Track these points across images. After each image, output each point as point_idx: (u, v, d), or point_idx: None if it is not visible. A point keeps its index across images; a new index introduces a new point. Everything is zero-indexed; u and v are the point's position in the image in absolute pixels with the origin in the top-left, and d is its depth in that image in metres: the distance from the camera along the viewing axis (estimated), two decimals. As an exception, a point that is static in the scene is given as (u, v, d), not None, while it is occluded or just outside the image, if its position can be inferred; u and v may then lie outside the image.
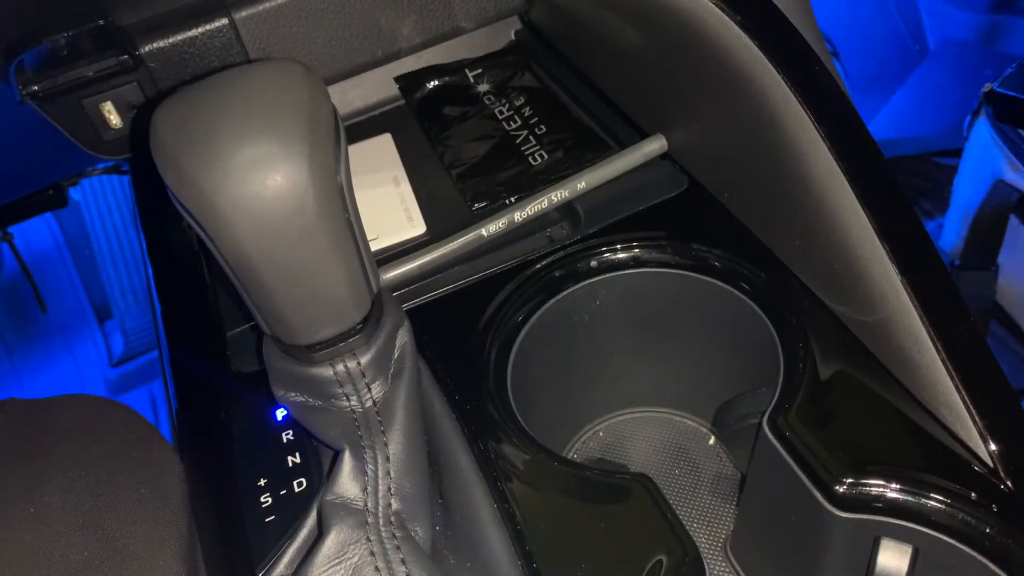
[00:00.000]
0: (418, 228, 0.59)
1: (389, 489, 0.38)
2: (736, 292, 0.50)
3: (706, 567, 0.38)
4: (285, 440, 0.44)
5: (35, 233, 1.55)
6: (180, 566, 0.42)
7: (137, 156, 0.67)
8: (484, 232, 0.55)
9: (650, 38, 0.55)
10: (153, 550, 0.42)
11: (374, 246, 0.57)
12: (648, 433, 0.59)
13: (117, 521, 0.43)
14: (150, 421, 0.50)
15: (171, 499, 0.45)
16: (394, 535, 0.37)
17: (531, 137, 0.64)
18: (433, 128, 0.67)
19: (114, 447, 0.46)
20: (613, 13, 0.58)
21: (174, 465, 0.46)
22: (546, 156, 0.61)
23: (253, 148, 0.32)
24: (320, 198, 0.33)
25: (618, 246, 0.52)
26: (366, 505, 0.38)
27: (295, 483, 0.42)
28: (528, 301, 0.51)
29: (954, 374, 0.39)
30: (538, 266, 0.52)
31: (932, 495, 0.37)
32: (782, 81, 0.43)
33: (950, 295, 0.40)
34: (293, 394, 0.41)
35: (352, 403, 0.40)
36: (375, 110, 0.72)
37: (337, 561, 0.36)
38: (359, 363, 0.40)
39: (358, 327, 0.39)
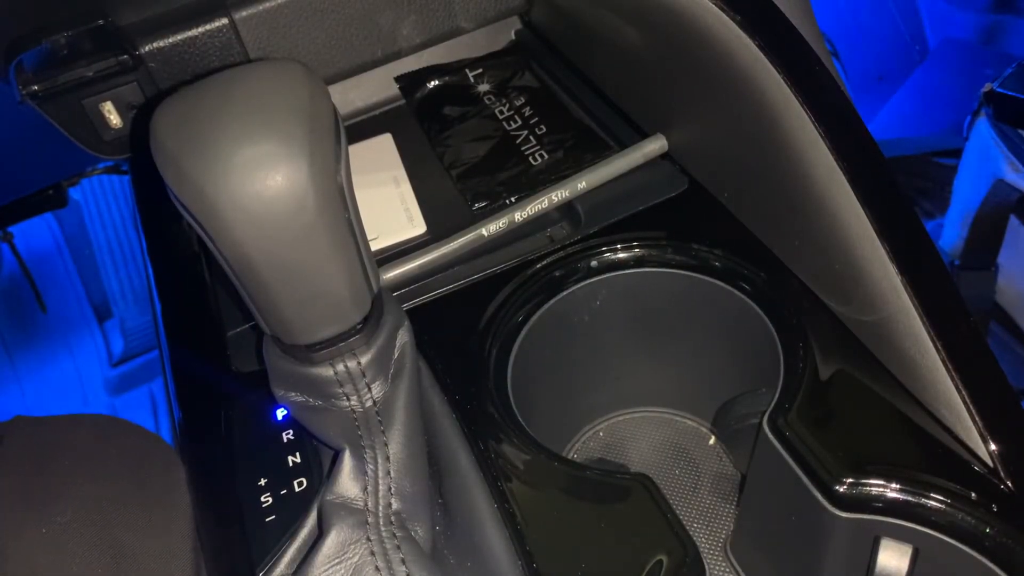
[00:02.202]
0: (418, 228, 0.59)
1: (389, 489, 0.38)
2: (736, 292, 0.50)
3: (706, 567, 0.38)
4: (285, 440, 0.44)
5: (35, 233, 1.55)
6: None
7: (137, 156, 0.67)
8: (484, 232, 0.55)
9: (650, 38, 0.55)
10: (164, 564, 0.42)
11: (374, 246, 0.57)
12: (648, 433, 0.59)
13: (129, 537, 0.43)
14: (151, 422, 0.50)
15: (180, 511, 0.45)
16: (394, 535, 0.37)
17: (531, 137, 0.64)
18: (433, 128, 0.67)
19: (123, 463, 0.46)
20: (613, 13, 0.58)
21: (182, 477, 0.47)
22: (546, 156, 0.61)
23: (253, 148, 0.32)
24: (320, 198, 0.33)
25: (618, 246, 0.52)
26: (366, 505, 0.38)
27: (295, 483, 0.42)
28: (528, 301, 0.51)
29: (954, 374, 0.39)
30: (538, 266, 0.52)
31: (932, 495, 0.37)
32: (782, 81, 0.43)
33: (950, 295, 0.40)
34: (293, 394, 0.41)
35: (352, 403, 0.40)
36: (375, 110, 0.72)
37: (337, 561, 0.36)
38: (359, 363, 0.40)
39: (358, 327, 0.39)
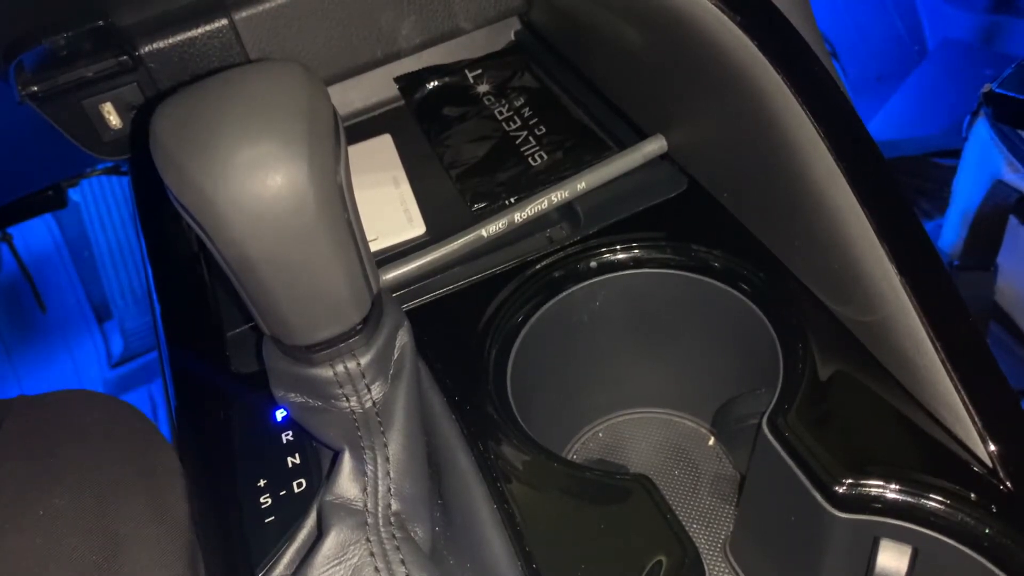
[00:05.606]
0: (418, 228, 0.59)
1: (389, 490, 0.38)
2: (736, 292, 0.50)
3: (706, 567, 0.38)
4: (285, 441, 0.44)
5: (35, 234, 1.55)
6: (184, 569, 0.43)
7: (137, 156, 0.67)
8: (484, 232, 0.55)
9: (650, 38, 0.55)
10: (159, 552, 0.42)
11: (374, 246, 0.57)
12: (648, 433, 0.59)
13: (124, 524, 0.43)
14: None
15: (176, 501, 0.45)
16: (394, 536, 0.37)
17: (531, 138, 0.64)
18: (433, 128, 0.67)
19: (122, 449, 0.46)
20: (613, 14, 0.58)
21: (177, 466, 0.47)
22: (546, 156, 0.61)
23: (253, 148, 0.32)
24: (320, 198, 0.33)
25: (618, 247, 0.52)
26: (366, 506, 0.38)
27: (295, 484, 0.42)
28: (528, 302, 0.51)
29: (954, 374, 0.39)
30: (538, 267, 0.52)
31: (931, 496, 0.37)
32: (782, 81, 0.44)
33: (950, 295, 0.40)
34: (293, 395, 0.41)
35: (352, 404, 0.40)
36: (375, 110, 0.72)
37: (337, 562, 0.36)
38: (359, 364, 0.40)
39: (358, 328, 0.39)
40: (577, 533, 0.39)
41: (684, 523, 0.39)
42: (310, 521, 0.39)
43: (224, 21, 0.63)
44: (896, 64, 1.83)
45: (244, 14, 0.64)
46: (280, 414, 0.45)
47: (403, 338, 0.42)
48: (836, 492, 0.38)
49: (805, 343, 0.44)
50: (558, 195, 0.56)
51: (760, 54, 0.44)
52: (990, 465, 0.37)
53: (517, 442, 0.43)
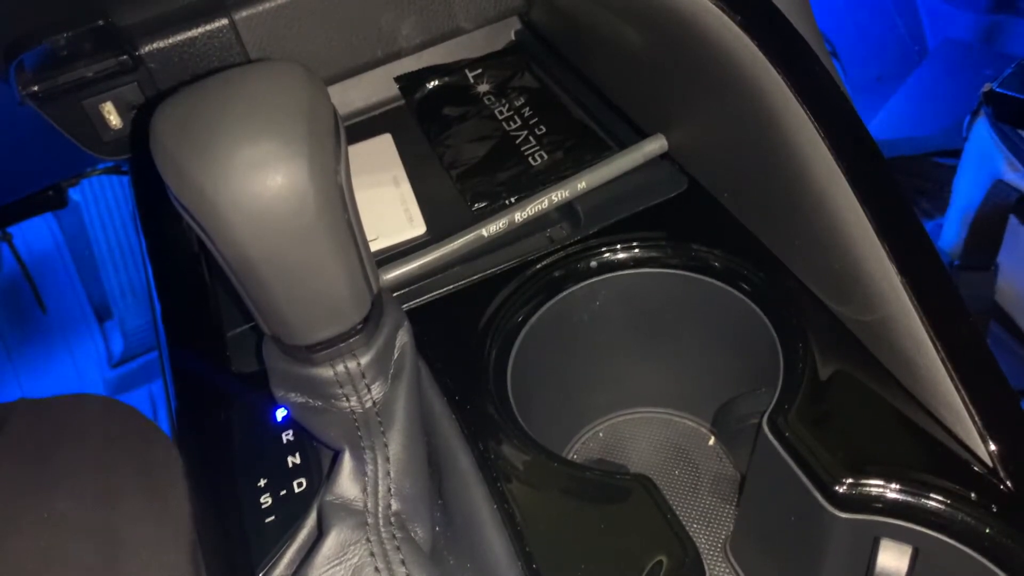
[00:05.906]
0: (418, 228, 0.59)
1: (389, 489, 0.38)
2: (736, 292, 0.50)
3: (706, 567, 0.38)
4: (285, 441, 0.44)
5: (35, 233, 1.55)
6: (185, 570, 0.43)
7: (137, 156, 0.67)
8: (484, 232, 0.55)
9: (650, 38, 0.55)
10: (160, 553, 0.43)
11: (374, 246, 0.57)
12: (648, 433, 0.59)
13: (125, 525, 0.43)
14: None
15: (177, 501, 0.45)
16: (394, 535, 0.37)
17: (531, 137, 0.64)
18: (433, 128, 0.67)
19: (123, 451, 0.47)
20: (613, 13, 0.58)
21: (179, 466, 0.47)
22: (546, 156, 0.61)
23: (253, 148, 0.32)
24: (320, 198, 0.33)
25: (618, 246, 0.53)
26: (366, 506, 0.38)
27: (295, 483, 0.42)
28: (528, 301, 0.51)
29: (954, 374, 0.39)
30: (538, 266, 0.52)
31: (932, 495, 0.37)
32: (782, 81, 0.44)
33: (950, 295, 0.40)
34: (293, 394, 0.41)
35: (352, 404, 0.40)
36: (375, 110, 0.72)
37: (337, 561, 0.36)
38: (359, 363, 0.40)
39: (358, 327, 0.39)
40: (577, 533, 0.39)
41: (684, 523, 0.39)
42: (310, 521, 0.39)
43: (224, 21, 0.63)
44: (896, 64, 1.83)
45: (244, 14, 0.64)
46: (280, 414, 0.45)
47: (403, 338, 0.42)
48: (836, 492, 0.38)
49: (805, 343, 0.44)
50: (558, 195, 0.56)
51: (760, 54, 0.44)
52: (990, 465, 0.37)
53: (517, 442, 0.43)
